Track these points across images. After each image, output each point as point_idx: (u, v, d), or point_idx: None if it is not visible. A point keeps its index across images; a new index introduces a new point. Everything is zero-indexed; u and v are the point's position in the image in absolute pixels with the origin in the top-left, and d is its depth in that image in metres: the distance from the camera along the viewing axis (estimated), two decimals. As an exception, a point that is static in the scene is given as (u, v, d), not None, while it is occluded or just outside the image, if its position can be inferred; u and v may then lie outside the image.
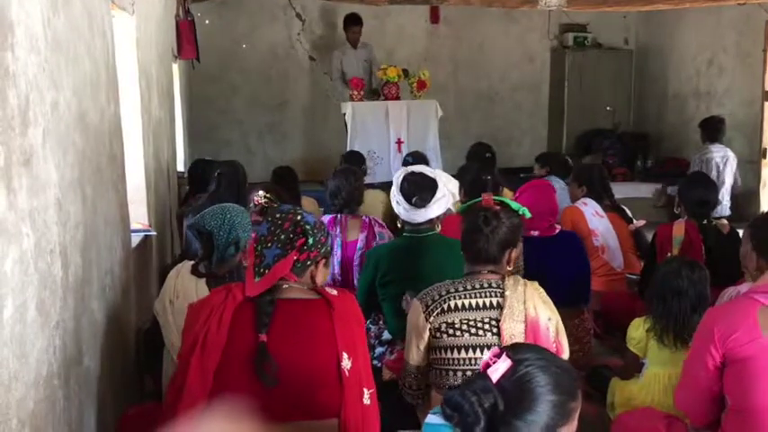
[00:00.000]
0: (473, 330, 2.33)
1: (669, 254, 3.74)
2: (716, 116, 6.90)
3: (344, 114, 6.96)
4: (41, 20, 1.89)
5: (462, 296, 2.36)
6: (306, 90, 8.77)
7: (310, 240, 1.98)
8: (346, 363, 1.92)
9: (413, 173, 3.14)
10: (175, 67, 6.12)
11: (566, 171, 5.33)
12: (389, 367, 3.02)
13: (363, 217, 3.75)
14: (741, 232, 2.84)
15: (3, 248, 1.54)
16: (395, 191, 3.13)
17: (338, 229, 3.66)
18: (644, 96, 9.16)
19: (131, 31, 3.67)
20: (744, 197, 6.95)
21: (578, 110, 8.93)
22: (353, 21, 7.61)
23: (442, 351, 2.36)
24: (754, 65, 7.28)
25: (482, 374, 1.36)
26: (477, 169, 4.34)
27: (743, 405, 2.02)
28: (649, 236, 4.27)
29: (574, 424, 1.36)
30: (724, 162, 6.47)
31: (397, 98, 6.89)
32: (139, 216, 3.67)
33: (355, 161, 5.24)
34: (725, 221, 4.01)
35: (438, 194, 3.06)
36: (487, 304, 2.34)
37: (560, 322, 2.40)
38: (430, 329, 2.36)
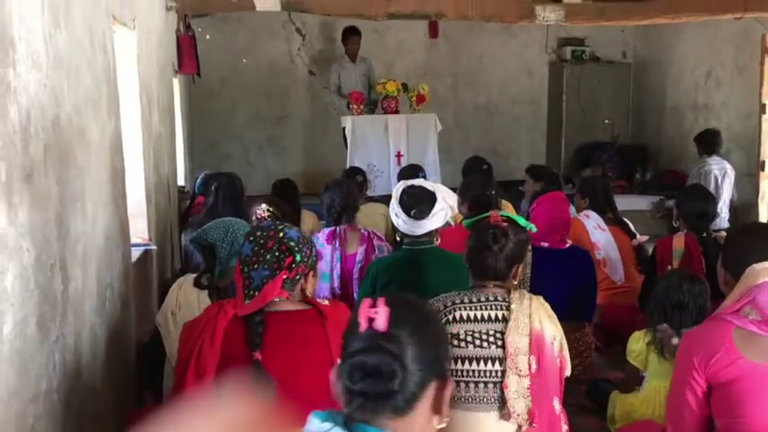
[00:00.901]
0: (477, 342, 2.33)
1: (669, 267, 3.74)
2: (710, 129, 6.90)
3: (344, 128, 6.98)
4: (43, 36, 1.90)
5: (468, 308, 2.36)
6: (306, 104, 8.80)
7: (298, 257, 1.97)
8: None
9: (412, 186, 3.15)
10: (176, 82, 6.15)
11: (557, 184, 5.32)
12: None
13: (362, 230, 3.76)
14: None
15: (3, 264, 1.55)
16: (394, 203, 3.13)
17: (337, 243, 3.66)
18: (642, 109, 9.18)
19: (132, 46, 3.69)
20: (742, 210, 6.94)
21: (577, 123, 8.94)
22: (352, 32, 7.65)
23: (447, 361, 2.36)
24: (752, 78, 7.30)
25: (371, 331, 1.25)
26: (481, 183, 4.34)
27: (732, 429, 2.00)
28: (649, 249, 4.27)
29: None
30: (722, 174, 6.47)
31: (396, 112, 6.90)
32: (140, 230, 3.67)
33: (353, 176, 5.23)
34: (724, 234, 4.01)
35: (437, 207, 3.07)
36: (493, 317, 2.34)
37: (564, 338, 2.40)
38: None
